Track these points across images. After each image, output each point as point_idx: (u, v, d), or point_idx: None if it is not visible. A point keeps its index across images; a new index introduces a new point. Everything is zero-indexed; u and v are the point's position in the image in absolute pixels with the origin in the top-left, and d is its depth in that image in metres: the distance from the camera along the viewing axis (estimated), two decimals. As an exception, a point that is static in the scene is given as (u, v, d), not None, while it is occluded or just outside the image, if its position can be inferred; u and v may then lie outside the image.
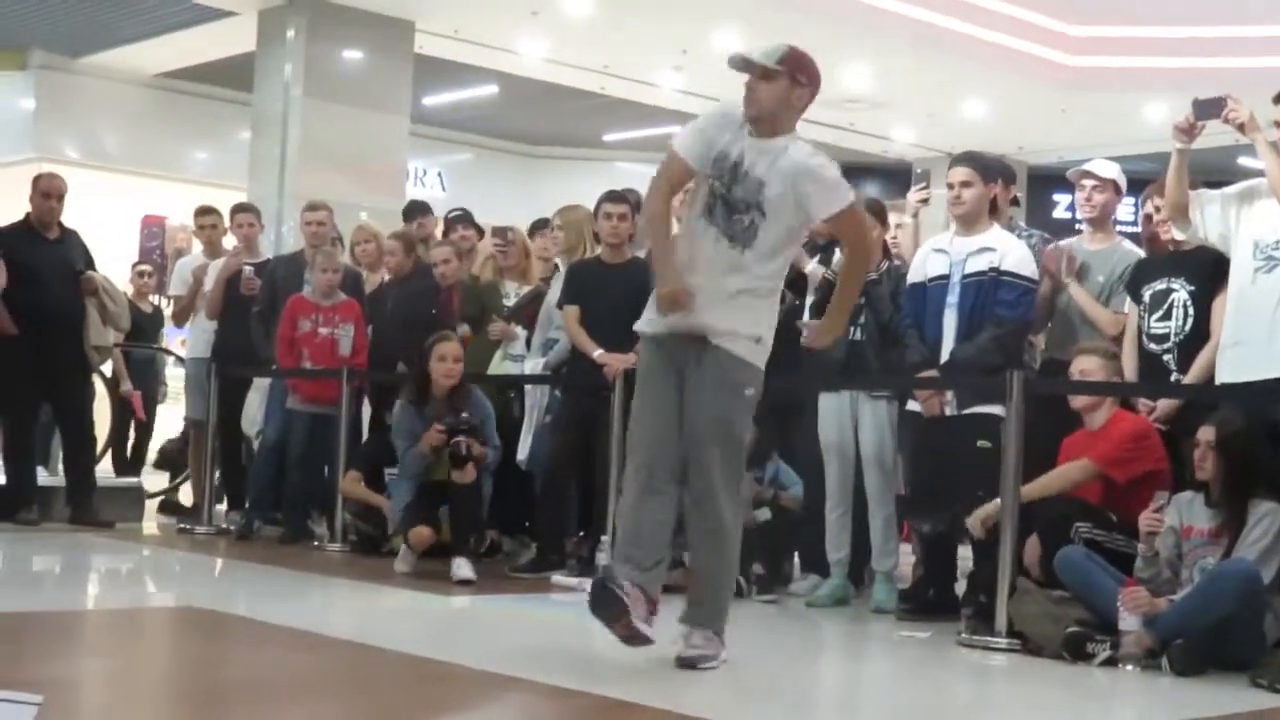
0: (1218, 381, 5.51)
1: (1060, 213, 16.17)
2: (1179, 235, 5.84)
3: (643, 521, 4.72)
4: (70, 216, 8.91)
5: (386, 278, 8.94)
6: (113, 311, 9.07)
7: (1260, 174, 5.54)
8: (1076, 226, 6.50)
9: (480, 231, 8.68)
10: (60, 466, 9.03)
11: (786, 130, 4.72)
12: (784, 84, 4.65)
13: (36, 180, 8.76)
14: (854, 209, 4.76)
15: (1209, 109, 5.54)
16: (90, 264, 8.87)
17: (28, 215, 8.61)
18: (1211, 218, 5.62)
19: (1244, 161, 12.51)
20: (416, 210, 9.44)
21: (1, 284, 8.11)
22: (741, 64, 4.67)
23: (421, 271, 8.52)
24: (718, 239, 4.67)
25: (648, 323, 4.79)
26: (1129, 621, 4.94)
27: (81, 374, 8.85)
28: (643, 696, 4.10)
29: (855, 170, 17.06)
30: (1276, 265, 5.34)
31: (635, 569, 4.63)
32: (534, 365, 7.63)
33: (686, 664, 4.55)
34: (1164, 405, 5.74)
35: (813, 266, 6.86)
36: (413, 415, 7.15)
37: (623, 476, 6.76)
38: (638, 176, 11.57)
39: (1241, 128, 5.44)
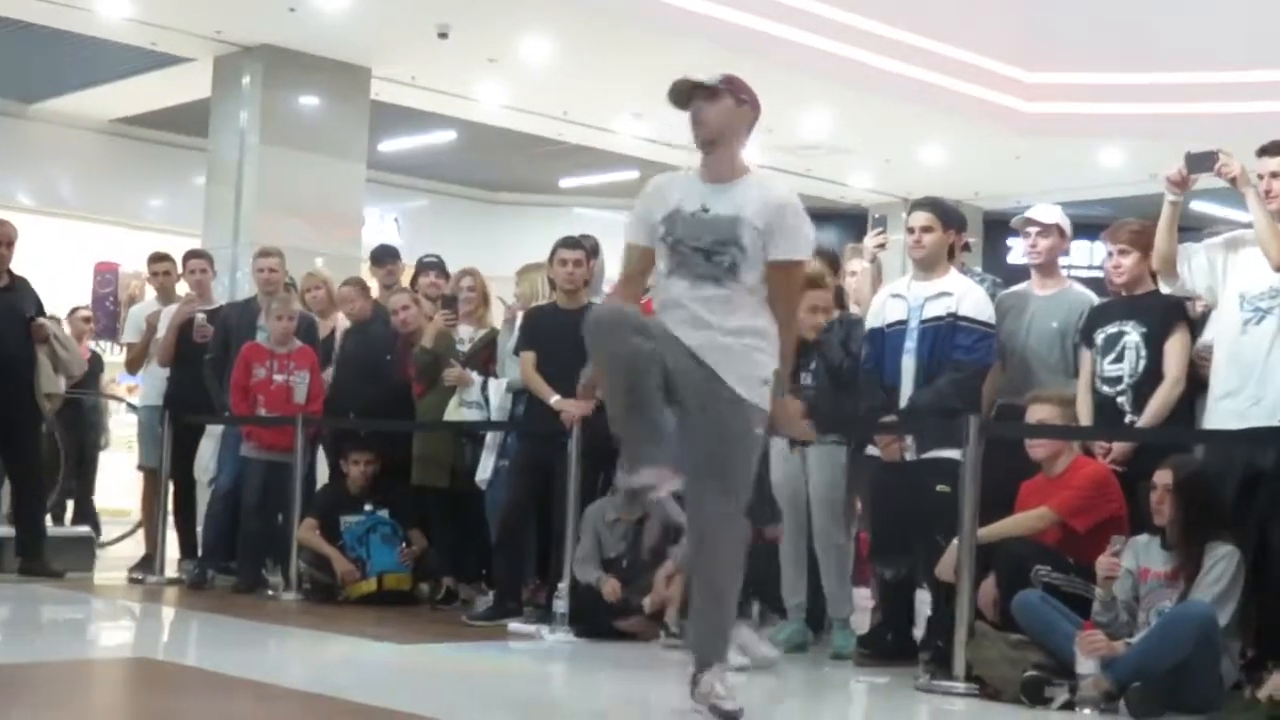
0: (1208, 426, 5.55)
1: (1015, 257, 16.21)
2: (1165, 289, 5.88)
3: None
4: (22, 263, 8.87)
5: (342, 324, 8.93)
6: (64, 359, 9.04)
7: (1237, 224, 5.59)
8: (1030, 271, 6.53)
9: (448, 278, 8.62)
10: (9, 517, 8.95)
11: (739, 157, 4.70)
12: (729, 102, 4.64)
13: None
14: (803, 266, 4.79)
15: (1201, 162, 5.57)
16: (41, 311, 8.84)
17: (-23, 264, 8.58)
18: (1198, 270, 5.67)
19: (1195, 206, 12.67)
20: (386, 256, 9.42)
21: None
22: (688, 87, 4.65)
23: (380, 319, 8.52)
24: (694, 286, 4.57)
25: None
26: (1087, 665, 4.95)
27: (32, 423, 8.80)
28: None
29: (812, 216, 17.18)
30: (1265, 316, 5.38)
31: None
32: (498, 387, 7.68)
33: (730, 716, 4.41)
34: (1119, 447, 5.79)
35: None
36: None
37: (580, 525, 6.82)
38: (595, 222, 11.69)
39: (1234, 181, 5.49)
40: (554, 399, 6.99)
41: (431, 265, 8.73)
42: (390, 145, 15.83)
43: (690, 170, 4.80)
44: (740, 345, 4.54)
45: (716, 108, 4.64)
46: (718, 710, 4.42)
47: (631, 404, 4.47)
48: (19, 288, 8.71)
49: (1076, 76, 14.00)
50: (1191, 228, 5.96)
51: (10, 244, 8.63)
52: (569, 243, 7.33)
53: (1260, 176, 5.43)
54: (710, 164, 4.70)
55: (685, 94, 4.68)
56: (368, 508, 7.96)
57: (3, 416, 8.44)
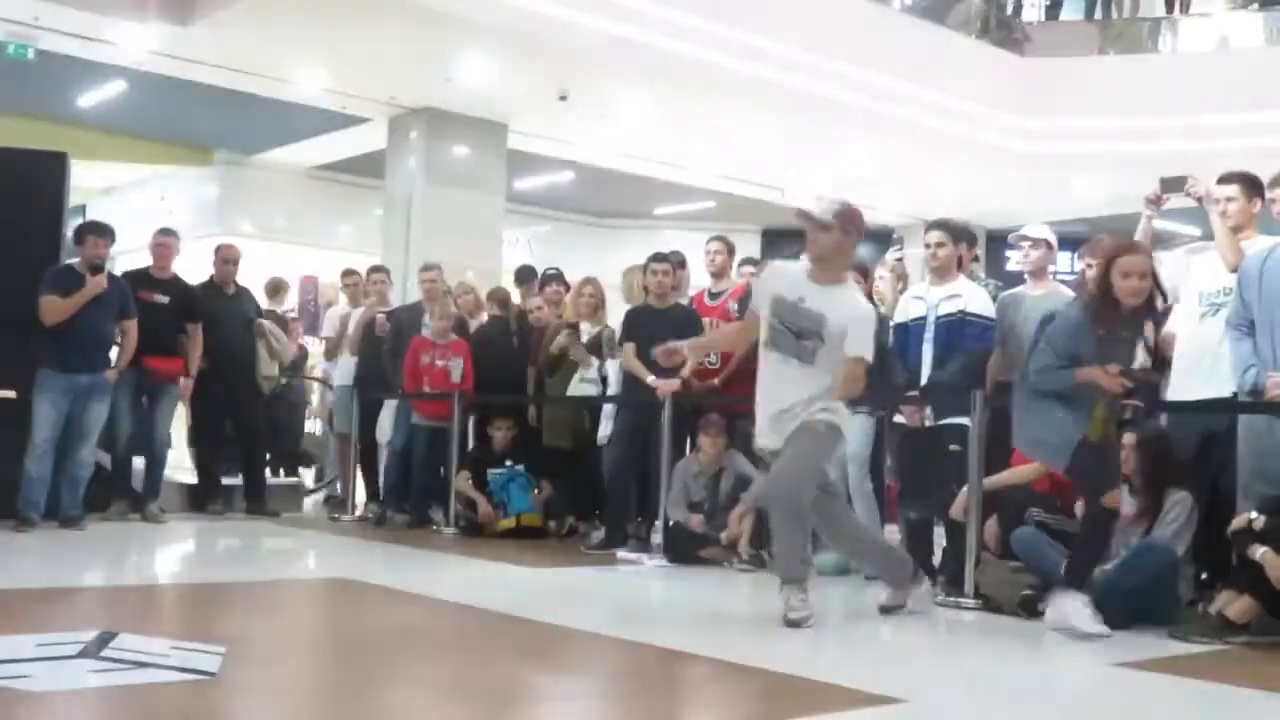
0: (1171, 399, 5.44)
1: (1013, 266, 15.99)
2: None
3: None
4: (246, 277, 9.01)
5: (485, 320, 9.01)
6: (277, 350, 9.20)
7: (1192, 238, 5.45)
8: (1024, 277, 6.41)
9: (568, 286, 8.63)
10: (238, 469, 9.12)
11: (841, 270, 4.76)
12: (837, 234, 4.68)
13: (217, 249, 8.89)
14: (864, 361, 4.65)
15: (1173, 185, 5.44)
16: (259, 313, 8.99)
17: (211, 277, 8.72)
18: (1166, 274, 5.55)
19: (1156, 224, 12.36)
20: (528, 274, 9.37)
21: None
22: (804, 218, 4.71)
23: (519, 318, 8.58)
24: (783, 360, 4.68)
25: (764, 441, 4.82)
26: (1071, 586, 4.87)
27: (254, 399, 8.95)
28: (688, 646, 4.09)
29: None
30: (1218, 309, 5.25)
31: None
32: (615, 366, 7.63)
33: (793, 624, 4.49)
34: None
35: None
36: (1081, 329, 4.72)
37: (671, 475, 6.80)
38: (681, 241, 11.62)
39: (1200, 200, 5.36)
40: (650, 379, 6.98)
41: (553, 276, 8.75)
42: (523, 183, 15.87)
43: (803, 267, 4.80)
44: (808, 413, 4.65)
45: (828, 236, 4.69)
46: (785, 618, 4.42)
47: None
48: (243, 296, 8.85)
49: (1060, 122, 13.75)
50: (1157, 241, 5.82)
51: (236, 262, 8.77)
52: (659, 257, 7.34)
53: (1217, 200, 5.29)
54: (816, 270, 4.73)
55: (804, 220, 4.71)
56: (508, 463, 8.00)
57: (232, 394, 8.60)
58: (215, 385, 8.38)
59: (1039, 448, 4.96)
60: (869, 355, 4.66)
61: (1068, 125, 13.71)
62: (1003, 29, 15.04)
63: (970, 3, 14.91)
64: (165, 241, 8.17)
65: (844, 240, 4.70)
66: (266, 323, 9.08)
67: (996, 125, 13.66)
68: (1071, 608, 4.60)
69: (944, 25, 14.04)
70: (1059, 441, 4.73)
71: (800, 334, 4.66)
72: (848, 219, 4.71)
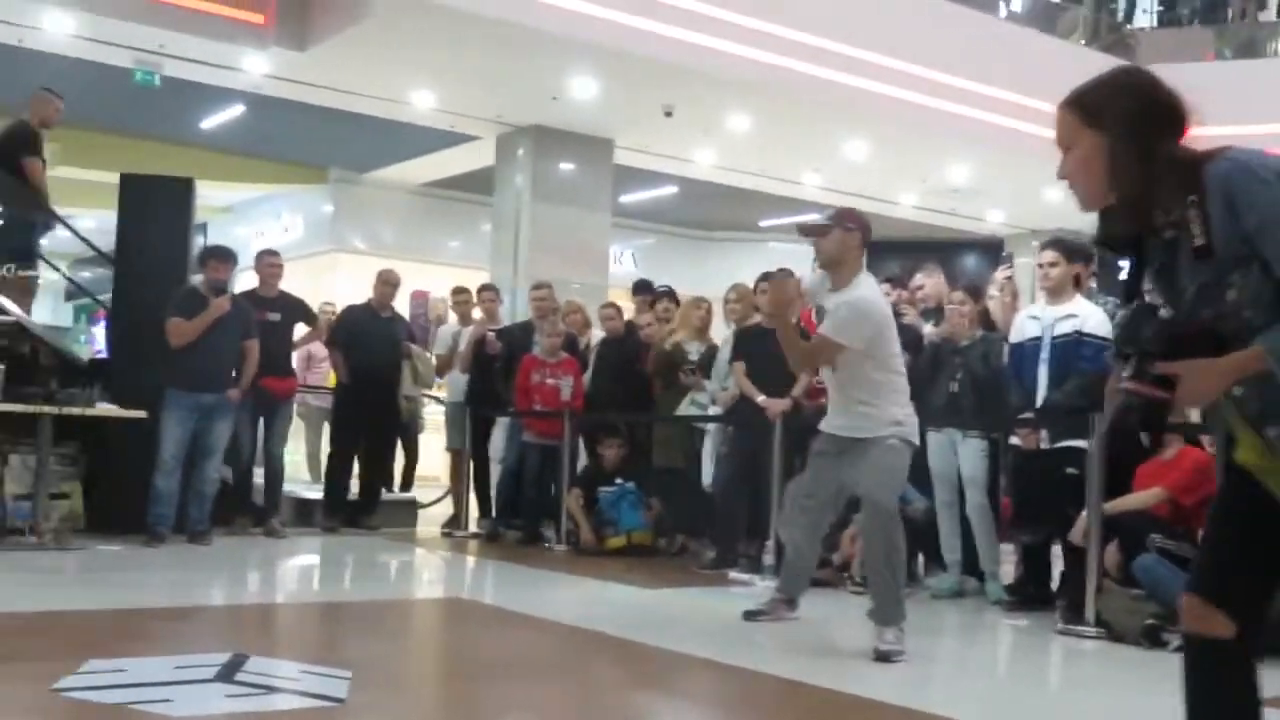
0: None
1: (1124, 276, 15.67)
2: None
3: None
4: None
5: (596, 338, 9.00)
6: (423, 373, 9.44)
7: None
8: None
9: (678, 302, 8.59)
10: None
11: (854, 268, 4.76)
12: (838, 234, 4.72)
13: (379, 273, 9.11)
14: (829, 343, 4.63)
15: None
16: (412, 337, 9.22)
17: (369, 300, 8.96)
18: None
19: None
20: (644, 288, 9.34)
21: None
22: (802, 231, 4.82)
23: (631, 334, 8.57)
24: (832, 373, 4.78)
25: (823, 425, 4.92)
26: (1196, 616, 4.73)
27: (393, 419, 9.16)
28: (799, 674, 4.05)
29: (956, 245, 16.78)
30: None
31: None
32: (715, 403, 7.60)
33: (882, 657, 4.45)
34: (1222, 439, 5.50)
35: (928, 329, 6.75)
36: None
37: (782, 495, 6.75)
38: (786, 254, 11.57)
39: None
40: (760, 399, 6.94)
41: (665, 293, 8.73)
42: (628, 198, 15.93)
43: (824, 275, 4.88)
44: (860, 412, 4.70)
45: (828, 240, 4.74)
46: (877, 651, 4.39)
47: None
48: (397, 320, 9.13)
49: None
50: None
51: (396, 285, 9.03)
52: (767, 276, 7.29)
53: None
54: (831, 276, 4.81)
55: (803, 233, 4.82)
56: (619, 481, 8.02)
57: (375, 412, 8.80)
58: (357, 403, 8.60)
59: None
60: (840, 339, 4.60)
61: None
62: (1112, 34, 14.73)
63: (1079, 10, 14.62)
64: (275, 262, 8.42)
65: (846, 237, 4.73)
66: (416, 346, 9.31)
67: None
68: None
69: (1051, 33, 13.77)
70: None
71: None
72: (843, 216, 4.80)
